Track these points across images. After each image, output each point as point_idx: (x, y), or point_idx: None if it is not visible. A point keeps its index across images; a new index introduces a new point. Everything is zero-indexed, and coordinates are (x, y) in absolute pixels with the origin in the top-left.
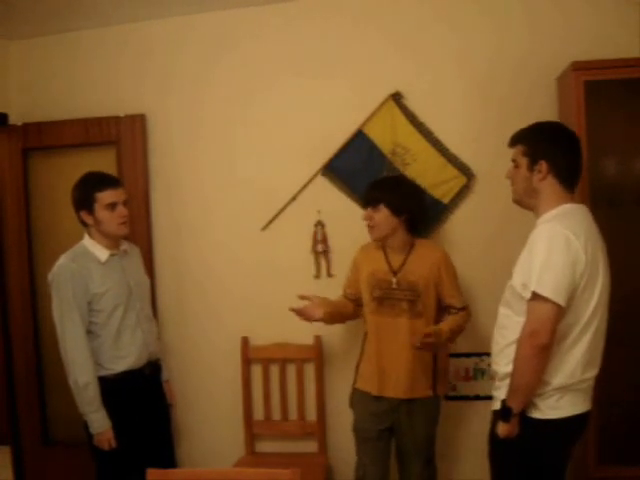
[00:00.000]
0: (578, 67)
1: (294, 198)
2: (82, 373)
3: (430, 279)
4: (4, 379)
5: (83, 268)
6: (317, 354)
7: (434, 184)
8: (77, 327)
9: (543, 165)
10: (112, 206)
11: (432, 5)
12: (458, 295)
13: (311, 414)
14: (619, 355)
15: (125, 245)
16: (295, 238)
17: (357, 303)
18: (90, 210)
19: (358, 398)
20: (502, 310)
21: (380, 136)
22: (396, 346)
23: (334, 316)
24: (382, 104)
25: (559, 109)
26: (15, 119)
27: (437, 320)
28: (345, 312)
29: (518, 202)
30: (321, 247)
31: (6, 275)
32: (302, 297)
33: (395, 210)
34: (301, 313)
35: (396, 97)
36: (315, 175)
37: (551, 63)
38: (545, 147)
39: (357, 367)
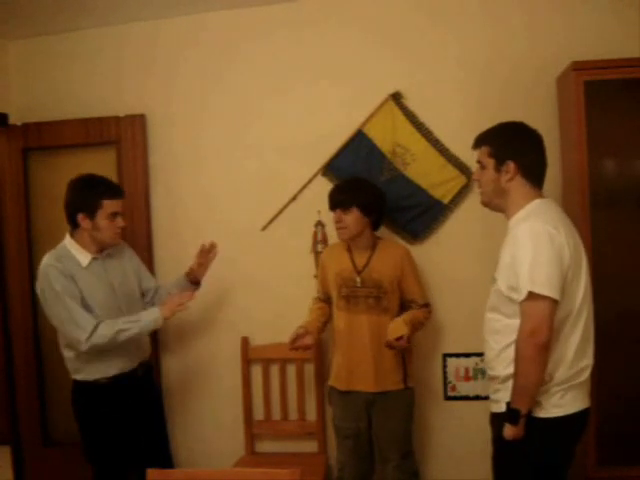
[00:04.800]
0: (578, 67)
1: (294, 198)
2: (101, 335)
3: (394, 276)
4: (4, 379)
5: (67, 270)
6: (317, 354)
7: (434, 184)
8: (74, 304)
9: (511, 165)
10: (113, 216)
11: (432, 6)
12: (421, 292)
13: (311, 414)
14: (619, 355)
15: (109, 249)
16: (295, 238)
17: (330, 302)
18: (91, 215)
19: (335, 395)
20: (490, 315)
21: (380, 136)
22: (364, 341)
23: (321, 329)
24: (382, 104)
25: (559, 109)
26: (15, 119)
27: (399, 315)
28: (327, 318)
29: (487, 204)
30: (321, 247)
31: (6, 275)
32: (292, 348)
33: (366, 211)
34: (298, 348)
35: (396, 97)
36: (315, 175)
37: (551, 63)
38: (511, 147)
39: (331, 363)
